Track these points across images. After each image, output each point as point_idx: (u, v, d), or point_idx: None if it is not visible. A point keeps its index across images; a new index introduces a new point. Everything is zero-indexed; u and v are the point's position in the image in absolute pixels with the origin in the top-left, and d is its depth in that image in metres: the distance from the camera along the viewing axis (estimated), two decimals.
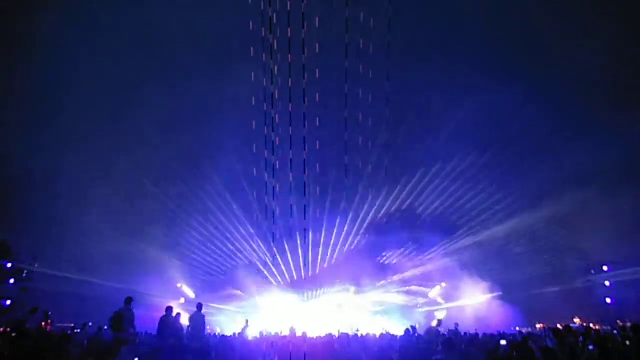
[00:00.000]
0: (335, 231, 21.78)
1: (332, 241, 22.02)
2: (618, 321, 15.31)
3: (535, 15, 18.67)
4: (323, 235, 21.73)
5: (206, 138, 20.20)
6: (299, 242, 21.46)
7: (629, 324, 9.19)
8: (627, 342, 6.06)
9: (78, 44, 18.32)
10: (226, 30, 18.80)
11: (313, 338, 10.48)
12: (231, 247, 21.71)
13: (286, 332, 12.69)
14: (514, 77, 18.82)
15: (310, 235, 21.22)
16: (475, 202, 19.95)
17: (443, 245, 21.16)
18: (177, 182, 19.93)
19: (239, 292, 22.68)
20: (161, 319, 8.62)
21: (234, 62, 17.83)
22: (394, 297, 23.42)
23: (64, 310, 16.22)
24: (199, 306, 9.03)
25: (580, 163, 17.82)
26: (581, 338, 7.22)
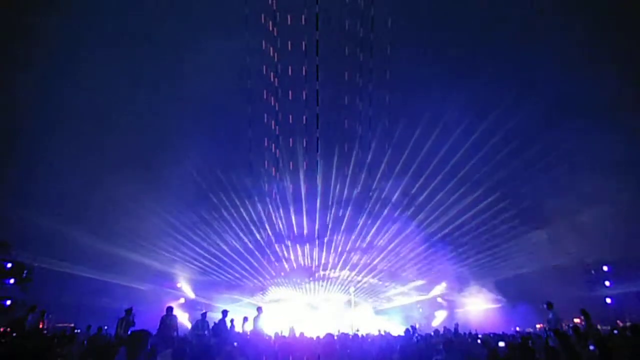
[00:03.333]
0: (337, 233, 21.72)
1: (334, 240, 21.93)
2: (618, 321, 15.32)
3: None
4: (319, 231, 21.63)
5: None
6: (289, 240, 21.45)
7: (628, 324, 9.15)
8: (627, 343, 6.04)
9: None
10: None
11: (313, 338, 10.47)
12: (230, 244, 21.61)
13: (286, 333, 12.70)
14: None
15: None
16: (476, 202, 19.85)
17: (444, 245, 21.08)
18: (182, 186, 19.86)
19: (237, 295, 22.71)
20: (161, 318, 8.72)
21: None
22: (394, 297, 23.44)
23: (64, 310, 16.23)
24: (260, 309, 10.29)
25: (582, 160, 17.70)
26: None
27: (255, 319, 10.20)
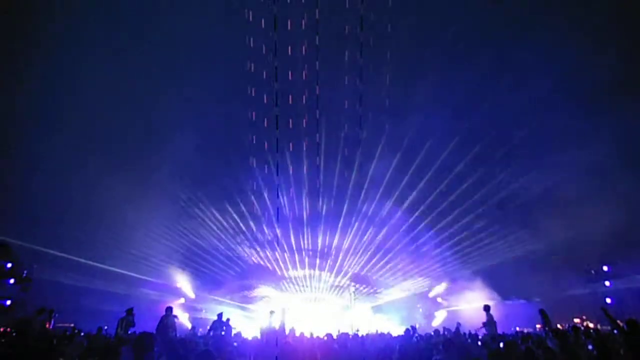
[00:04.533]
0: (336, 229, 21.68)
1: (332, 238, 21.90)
2: (618, 321, 15.26)
3: None
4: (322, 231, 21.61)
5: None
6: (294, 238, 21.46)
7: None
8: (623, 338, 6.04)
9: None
10: None
11: (312, 338, 10.49)
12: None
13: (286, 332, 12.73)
14: None
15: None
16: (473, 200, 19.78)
17: (443, 245, 21.05)
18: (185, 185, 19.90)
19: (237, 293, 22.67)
20: (161, 318, 8.74)
21: None
22: (394, 296, 23.43)
23: (64, 310, 16.23)
24: (284, 309, 10.75)
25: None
26: (583, 337, 7.24)
27: (281, 318, 10.47)
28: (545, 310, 10.10)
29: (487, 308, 10.05)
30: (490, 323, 9.73)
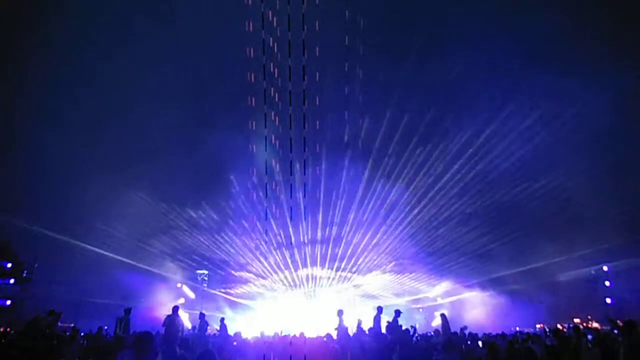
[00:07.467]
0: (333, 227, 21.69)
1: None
2: (618, 321, 15.23)
3: None
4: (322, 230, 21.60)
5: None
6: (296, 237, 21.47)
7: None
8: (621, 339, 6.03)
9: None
10: None
11: (312, 338, 10.48)
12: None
13: (286, 332, 12.72)
14: None
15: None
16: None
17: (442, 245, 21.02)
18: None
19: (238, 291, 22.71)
20: (168, 317, 8.80)
21: None
22: (394, 298, 23.41)
23: (64, 311, 16.21)
24: (380, 309, 9.64)
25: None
26: (588, 337, 7.25)
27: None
28: (446, 315, 10.28)
29: (339, 313, 10.02)
30: (343, 328, 9.72)
